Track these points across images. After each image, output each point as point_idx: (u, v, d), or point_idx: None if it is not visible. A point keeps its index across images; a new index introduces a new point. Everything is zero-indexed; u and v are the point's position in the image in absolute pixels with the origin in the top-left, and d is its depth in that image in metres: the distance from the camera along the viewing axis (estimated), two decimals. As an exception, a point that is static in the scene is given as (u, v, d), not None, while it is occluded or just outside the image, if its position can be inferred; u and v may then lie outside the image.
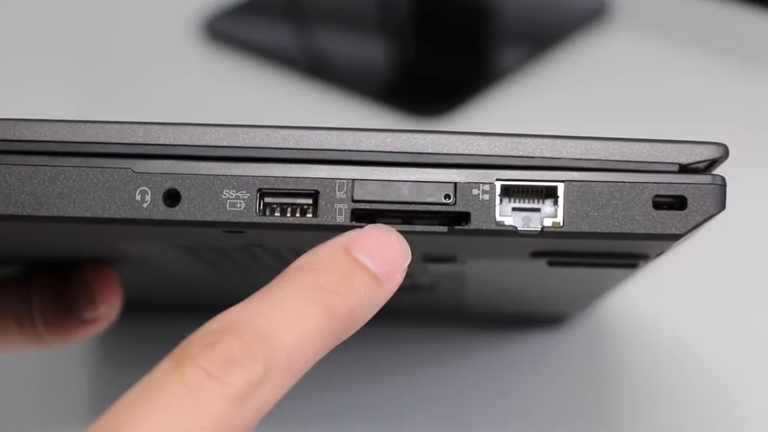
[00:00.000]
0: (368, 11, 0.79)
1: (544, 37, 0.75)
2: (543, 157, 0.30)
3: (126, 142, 0.30)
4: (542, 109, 0.70)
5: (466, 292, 0.45)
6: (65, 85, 0.74)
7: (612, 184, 0.30)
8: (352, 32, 0.77)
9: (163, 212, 0.30)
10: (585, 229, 0.29)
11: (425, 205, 0.30)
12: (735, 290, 0.55)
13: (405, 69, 0.76)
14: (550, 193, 0.30)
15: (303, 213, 0.30)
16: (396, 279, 0.30)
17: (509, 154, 0.30)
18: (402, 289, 0.43)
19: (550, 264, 0.34)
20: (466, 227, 0.30)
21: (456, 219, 0.30)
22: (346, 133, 0.30)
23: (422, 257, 0.35)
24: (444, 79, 0.73)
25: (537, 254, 0.33)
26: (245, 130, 0.30)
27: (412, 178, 0.30)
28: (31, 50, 0.77)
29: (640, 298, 0.53)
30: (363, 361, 0.51)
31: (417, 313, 0.51)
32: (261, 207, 0.30)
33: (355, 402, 0.49)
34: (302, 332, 0.27)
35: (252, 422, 0.27)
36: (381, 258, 0.29)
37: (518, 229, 0.30)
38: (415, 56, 0.77)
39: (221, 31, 0.77)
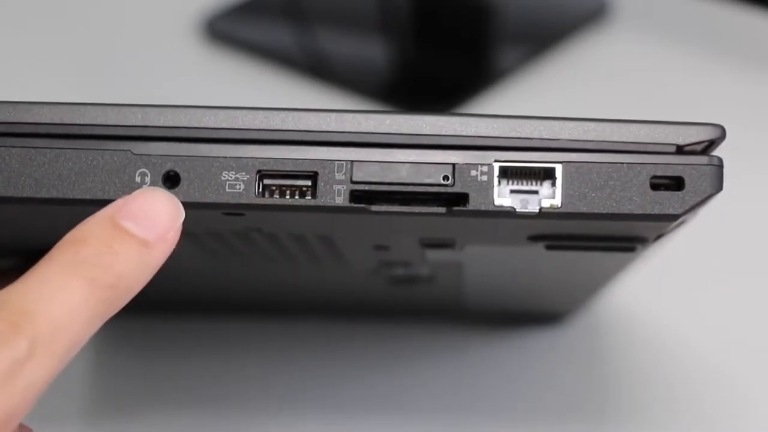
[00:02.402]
0: (368, 11, 0.79)
1: (544, 37, 0.75)
2: (541, 139, 0.30)
3: (125, 124, 0.30)
4: (542, 109, 0.69)
5: (464, 284, 0.45)
6: (65, 84, 0.74)
7: (610, 165, 0.30)
8: (352, 32, 0.78)
9: None
10: (583, 210, 0.30)
11: (424, 187, 0.30)
12: (735, 286, 0.55)
13: (405, 69, 0.76)
14: (548, 174, 0.30)
15: (302, 194, 0.30)
16: (169, 240, 0.30)
17: (508, 135, 0.30)
18: (400, 282, 0.44)
19: (548, 248, 0.34)
20: (464, 208, 0.30)
21: (454, 200, 0.30)
22: (345, 115, 0.30)
23: (420, 243, 0.35)
24: (444, 79, 0.73)
25: (535, 238, 0.33)
26: (244, 112, 0.30)
27: (411, 159, 0.30)
28: (31, 50, 0.77)
29: (639, 295, 0.53)
30: (361, 357, 0.51)
31: (416, 310, 0.51)
32: (260, 188, 0.30)
33: (352, 398, 0.49)
34: (66, 306, 0.28)
35: (23, 400, 0.27)
36: (148, 221, 0.29)
37: (516, 210, 0.30)
38: (415, 56, 0.77)
39: (221, 31, 0.77)
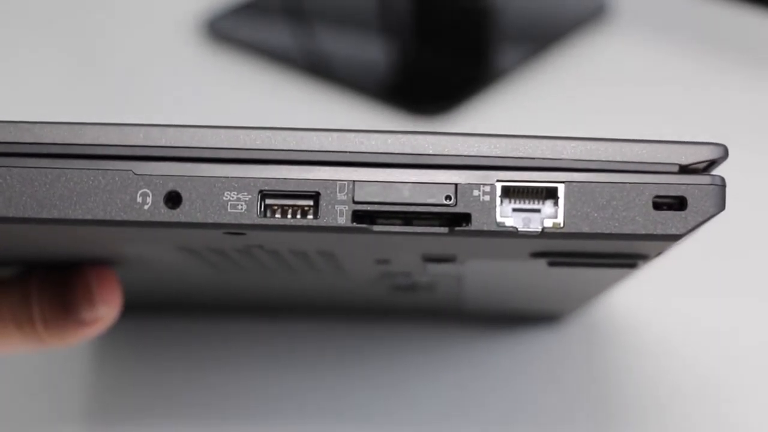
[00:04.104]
0: (368, 11, 0.79)
1: (544, 37, 0.75)
2: (543, 158, 0.30)
3: (127, 144, 0.30)
4: (542, 109, 0.70)
5: (464, 291, 0.45)
6: (65, 85, 0.74)
7: (612, 184, 0.30)
8: (353, 32, 0.77)
9: (164, 214, 0.30)
10: (585, 229, 0.30)
11: (426, 206, 0.30)
12: (732, 289, 0.55)
13: (405, 69, 0.76)
14: (550, 193, 0.30)
15: (304, 214, 0.30)
16: None
17: (510, 155, 0.30)
18: (400, 289, 0.44)
19: (551, 264, 0.34)
20: (466, 228, 0.30)
21: (457, 220, 0.30)
22: (347, 135, 0.30)
23: (422, 257, 0.35)
24: (444, 78, 0.73)
25: (537, 255, 0.33)
26: (246, 131, 0.30)
27: (413, 179, 0.30)
28: (31, 51, 0.77)
29: (637, 296, 0.53)
30: (359, 359, 0.51)
31: (414, 312, 0.51)
32: (262, 209, 0.30)
33: (350, 399, 0.49)
34: None
35: None
36: None
37: (519, 230, 0.30)
38: (415, 56, 0.77)
39: (221, 31, 0.77)
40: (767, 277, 0.56)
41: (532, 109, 0.70)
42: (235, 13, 0.78)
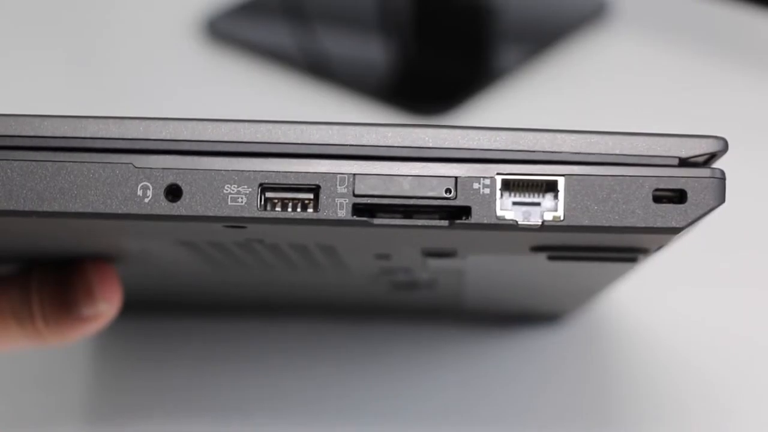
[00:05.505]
0: (368, 11, 0.79)
1: (544, 37, 0.75)
2: (543, 151, 0.30)
3: (127, 137, 0.30)
4: (542, 109, 0.70)
5: (464, 289, 0.45)
6: (66, 84, 0.74)
7: (612, 177, 0.30)
8: (353, 32, 0.78)
9: (165, 207, 0.30)
10: (585, 222, 0.30)
11: (426, 200, 0.30)
12: (733, 288, 0.55)
13: (405, 68, 0.76)
14: (550, 187, 0.30)
15: (304, 207, 0.30)
16: None
17: (510, 148, 0.30)
18: (401, 287, 0.44)
19: (550, 258, 0.34)
20: (466, 221, 0.30)
21: (457, 213, 0.30)
22: (347, 128, 0.30)
23: (422, 252, 0.35)
24: (444, 78, 0.73)
25: (537, 249, 0.33)
26: (247, 125, 0.30)
27: (413, 172, 0.30)
28: (31, 51, 0.77)
29: (637, 295, 0.53)
30: (360, 358, 0.51)
31: (414, 311, 0.51)
32: (262, 202, 0.30)
33: (350, 399, 0.49)
34: None
35: None
36: None
37: (519, 223, 0.30)
38: (416, 56, 0.77)
39: (221, 31, 0.77)
40: (769, 275, 0.56)
41: (532, 109, 0.70)
42: (235, 13, 0.78)
